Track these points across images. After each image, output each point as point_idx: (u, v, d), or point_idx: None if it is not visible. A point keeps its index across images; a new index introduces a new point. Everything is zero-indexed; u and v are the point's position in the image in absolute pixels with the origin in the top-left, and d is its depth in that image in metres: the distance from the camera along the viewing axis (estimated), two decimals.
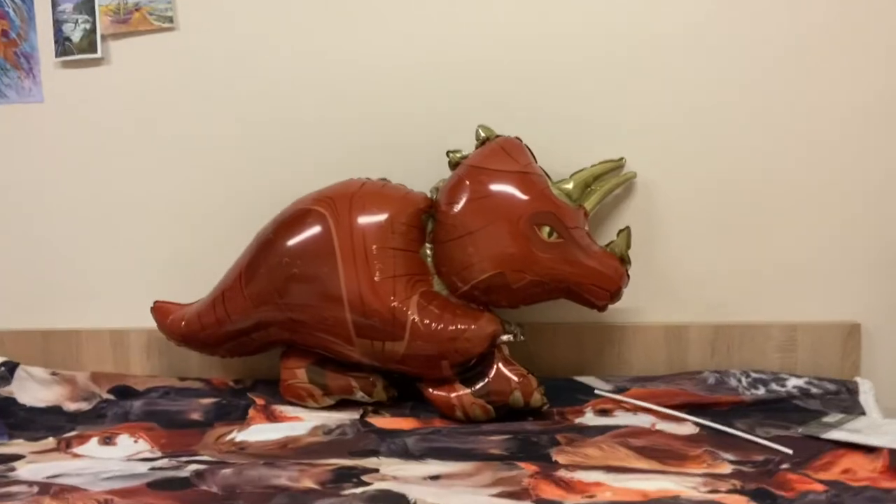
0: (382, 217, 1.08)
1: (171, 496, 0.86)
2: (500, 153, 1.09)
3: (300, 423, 1.10)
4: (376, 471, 0.91)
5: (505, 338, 1.09)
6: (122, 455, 1.03)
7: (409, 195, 1.11)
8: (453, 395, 1.08)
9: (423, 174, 1.15)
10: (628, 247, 1.09)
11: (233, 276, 1.13)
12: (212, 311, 1.14)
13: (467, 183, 1.08)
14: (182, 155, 1.28)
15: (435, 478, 0.89)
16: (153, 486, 0.89)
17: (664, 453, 0.95)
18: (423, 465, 0.94)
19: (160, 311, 1.22)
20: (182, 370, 1.30)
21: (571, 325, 1.21)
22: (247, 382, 1.26)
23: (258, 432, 1.08)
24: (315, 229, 1.08)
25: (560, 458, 0.94)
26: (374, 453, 0.99)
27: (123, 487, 0.89)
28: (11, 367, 1.27)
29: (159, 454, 1.03)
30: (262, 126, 1.26)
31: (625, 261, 1.09)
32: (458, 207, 1.07)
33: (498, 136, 1.12)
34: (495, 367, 1.08)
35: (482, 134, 1.12)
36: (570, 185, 1.11)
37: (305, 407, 1.16)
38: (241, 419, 1.16)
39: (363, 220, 1.07)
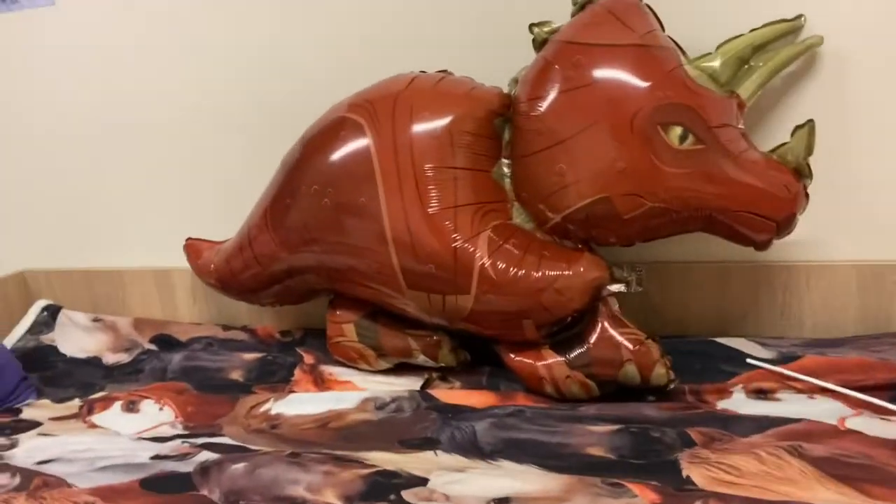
0: (439, 124, 0.77)
1: (163, 501, 0.66)
2: (607, 20, 0.73)
3: (348, 394, 0.87)
4: (424, 482, 0.65)
5: (614, 288, 0.77)
6: (139, 428, 0.86)
7: (475, 92, 0.79)
8: (541, 363, 0.79)
9: (497, 70, 0.82)
10: (809, 152, 0.71)
11: (259, 211, 0.89)
12: (239, 253, 0.91)
13: (557, 68, 0.74)
14: (223, 65, 1.03)
15: (502, 501, 0.62)
16: (146, 486, 0.70)
17: (863, 472, 0.61)
18: (492, 469, 0.68)
19: (192, 250, 1.01)
20: (230, 315, 1.11)
21: (712, 264, 0.87)
22: (296, 334, 1.04)
23: (298, 403, 0.86)
24: (349, 145, 0.79)
25: (695, 475, 0.63)
26: (432, 444, 0.74)
27: (113, 484, 0.71)
28: (54, 312, 1.14)
29: (180, 428, 0.85)
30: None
31: (802, 174, 0.72)
32: (543, 105, 0.74)
33: None
34: (599, 327, 0.77)
35: None
36: (715, 63, 0.74)
37: (359, 369, 0.92)
38: (286, 380, 0.94)
39: (412, 129, 0.77)
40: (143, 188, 1.13)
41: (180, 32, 1.04)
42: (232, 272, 0.93)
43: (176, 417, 0.88)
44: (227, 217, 1.02)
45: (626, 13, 0.73)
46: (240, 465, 0.70)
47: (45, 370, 1.06)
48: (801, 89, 0.80)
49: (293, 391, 0.91)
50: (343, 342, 0.90)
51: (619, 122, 0.70)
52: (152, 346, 1.09)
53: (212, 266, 0.95)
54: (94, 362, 1.07)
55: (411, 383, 0.89)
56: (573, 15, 0.77)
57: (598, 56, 0.72)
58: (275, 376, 0.96)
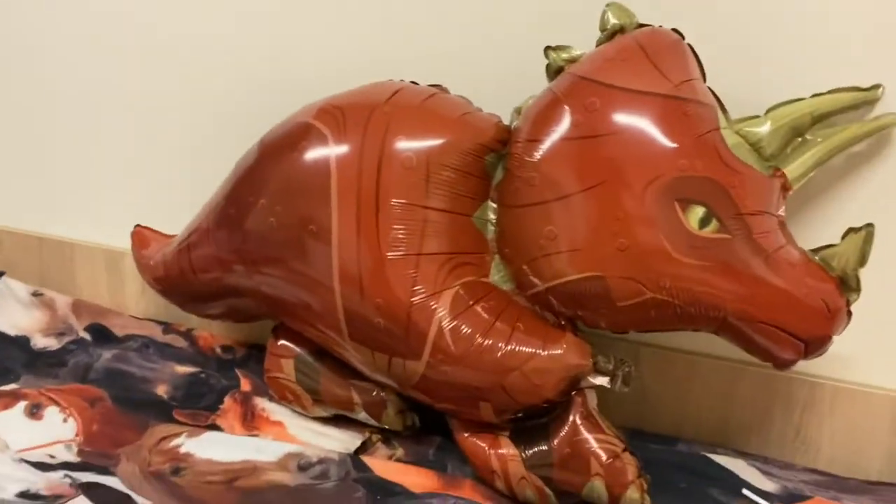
0: (416, 153, 0.64)
1: None
2: (636, 58, 0.59)
3: (271, 444, 0.75)
4: None
5: (597, 381, 0.63)
6: (32, 442, 0.75)
7: (467, 118, 0.65)
8: (494, 452, 0.66)
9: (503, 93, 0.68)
10: (862, 263, 0.57)
11: (203, 213, 0.77)
12: (177, 257, 0.79)
13: (566, 108, 0.60)
14: (191, 48, 0.91)
15: None
16: None
17: None
18: None
19: (138, 239, 0.89)
20: (180, 314, 0.99)
21: (723, 361, 0.73)
22: (238, 352, 0.93)
23: (213, 444, 0.74)
24: (308, 159, 0.66)
25: None
26: None
27: None
28: None
29: (73, 453, 0.73)
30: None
31: (848, 287, 0.57)
32: (542, 150, 0.60)
33: (642, 26, 0.62)
34: (569, 425, 0.64)
35: (611, 18, 0.62)
36: (763, 130, 0.60)
37: (295, 411, 0.80)
38: (212, 408, 0.83)
39: (384, 153, 0.64)
40: (111, 158, 1.01)
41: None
42: (168, 276, 0.81)
43: (76, 436, 0.77)
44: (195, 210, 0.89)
45: (661, 53, 0.59)
46: None
47: None
48: (866, 177, 0.65)
49: (216, 424, 0.80)
50: (280, 378, 0.78)
51: (630, 189, 0.56)
52: (86, 336, 0.98)
53: (152, 262, 0.84)
54: (20, 343, 0.97)
55: (350, 440, 0.76)
56: (598, 44, 0.63)
57: (617, 101, 0.58)
58: (202, 400, 0.85)
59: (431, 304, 0.63)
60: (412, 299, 0.62)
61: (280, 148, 0.69)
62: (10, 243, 1.10)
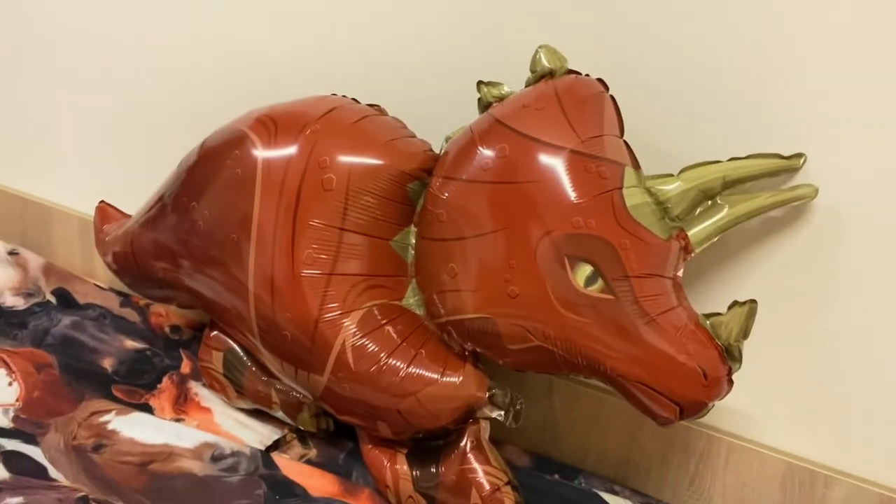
0: (336, 176, 0.65)
1: None
2: (550, 108, 0.60)
3: (191, 432, 0.78)
4: None
5: (492, 414, 0.66)
6: None
7: (395, 144, 0.67)
8: (390, 467, 0.69)
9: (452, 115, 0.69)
10: (744, 335, 0.57)
11: (148, 205, 0.80)
12: (122, 241, 0.82)
13: (479, 150, 0.61)
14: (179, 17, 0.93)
15: None
16: None
17: None
18: None
19: (101, 214, 0.93)
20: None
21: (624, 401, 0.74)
22: (186, 333, 0.96)
23: (139, 426, 0.78)
24: (237, 169, 0.69)
25: None
26: None
27: None
28: None
29: (9, 418, 0.78)
30: None
31: (731, 356, 0.58)
32: (450, 189, 0.62)
33: (569, 73, 0.63)
34: (458, 451, 0.66)
35: (542, 61, 0.63)
36: (671, 188, 0.60)
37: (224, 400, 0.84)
38: (150, 386, 0.87)
39: (306, 172, 0.66)
40: (99, 124, 1.04)
41: None
42: (116, 257, 0.84)
43: (16, 401, 0.81)
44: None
45: (576, 106, 0.59)
46: (12, 502, 0.63)
47: None
48: (777, 242, 0.65)
49: (148, 404, 0.84)
50: (209, 368, 0.82)
51: (524, 240, 0.57)
52: (51, 299, 1.03)
53: (107, 239, 0.87)
54: None
55: (270, 434, 0.80)
56: (527, 85, 0.64)
57: (525, 150, 0.59)
58: (143, 378, 0.89)
59: (339, 321, 0.65)
60: (320, 316, 0.65)
61: (216, 153, 0.71)
62: None
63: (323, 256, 0.65)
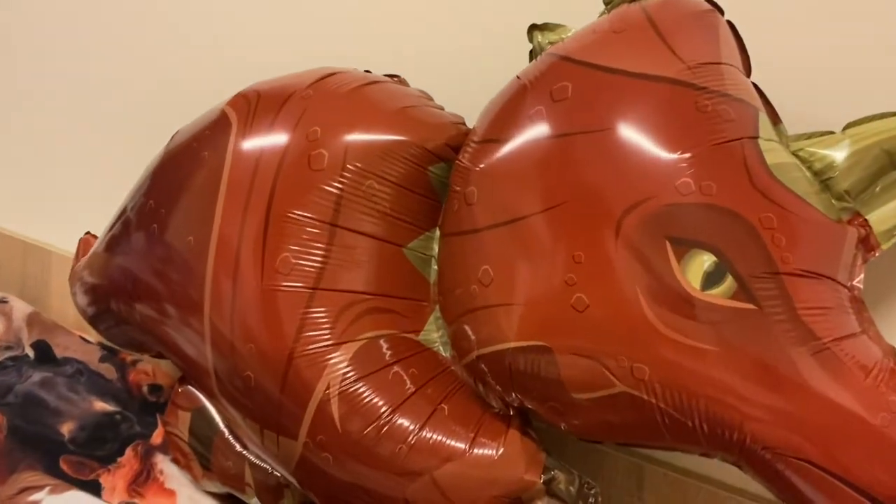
0: (333, 148, 0.46)
1: None
2: (637, 29, 0.40)
3: None
4: None
5: None
6: None
7: (412, 113, 0.48)
8: None
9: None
10: None
11: (112, 219, 0.63)
12: (87, 266, 0.65)
13: (530, 97, 0.41)
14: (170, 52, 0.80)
15: None
16: None
17: None
18: None
19: (84, 247, 0.77)
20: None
21: (751, 499, 0.48)
22: (168, 393, 0.77)
23: None
24: (206, 150, 0.51)
25: None
26: None
27: None
28: None
29: None
30: None
31: None
32: (486, 157, 0.41)
33: None
34: None
35: None
36: (836, 151, 0.38)
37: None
38: (108, 460, 0.67)
39: (290, 145, 0.47)
40: (98, 160, 0.93)
41: None
42: (84, 291, 0.67)
43: None
44: None
45: (677, 24, 0.39)
46: None
47: None
48: None
49: (97, 482, 0.64)
50: (174, 434, 0.61)
51: (599, 217, 0.36)
52: (30, 352, 0.87)
53: (76, 268, 0.71)
54: None
55: None
56: (601, 16, 0.44)
57: (598, 87, 0.38)
58: (103, 447, 0.69)
59: (324, 357, 0.44)
60: (296, 347, 0.44)
61: (185, 138, 0.54)
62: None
63: (305, 263, 0.45)
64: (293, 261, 0.46)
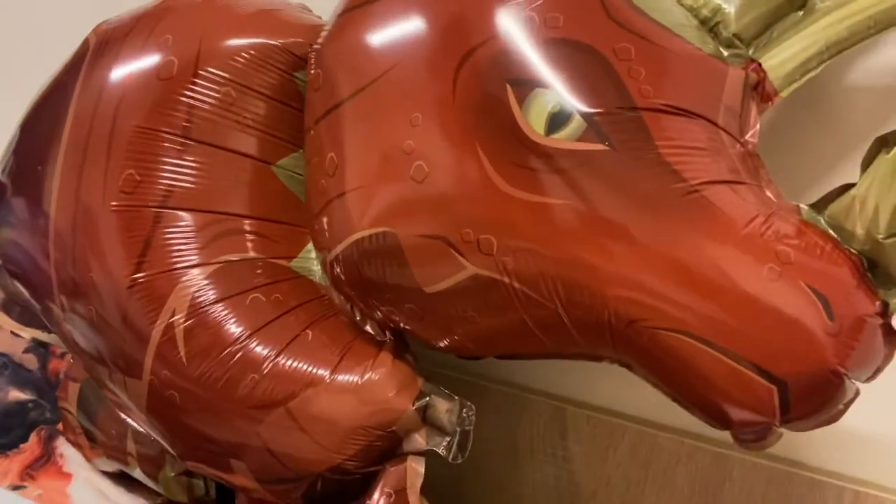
0: (180, 54, 0.42)
1: None
2: None
3: None
4: None
5: (428, 442, 0.36)
6: None
7: (277, 14, 0.44)
8: None
9: None
10: None
11: None
12: None
13: None
14: None
15: None
16: None
17: None
18: None
19: None
20: None
21: (679, 434, 0.42)
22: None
23: None
24: (59, 84, 0.47)
25: None
26: None
27: None
28: None
29: None
30: None
31: (883, 275, 0.26)
32: (328, 34, 0.36)
33: None
34: None
35: None
36: None
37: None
38: (12, 446, 0.63)
39: (137, 61, 0.43)
40: None
41: None
42: None
43: None
44: None
45: None
46: None
47: None
48: None
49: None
50: (66, 409, 0.56)
51: (430, 71, 0.30)
52: None
53: None
54: None
55: None
56: None
57: None
58: (9, 435, 0.65)
59: (170, 282, 0.39)
60: (136, 275, 0.39)
61: (57, 75, 0.50)
62: None
63: (152, 180, 0.40)
64: (138, 178, 0.41)
